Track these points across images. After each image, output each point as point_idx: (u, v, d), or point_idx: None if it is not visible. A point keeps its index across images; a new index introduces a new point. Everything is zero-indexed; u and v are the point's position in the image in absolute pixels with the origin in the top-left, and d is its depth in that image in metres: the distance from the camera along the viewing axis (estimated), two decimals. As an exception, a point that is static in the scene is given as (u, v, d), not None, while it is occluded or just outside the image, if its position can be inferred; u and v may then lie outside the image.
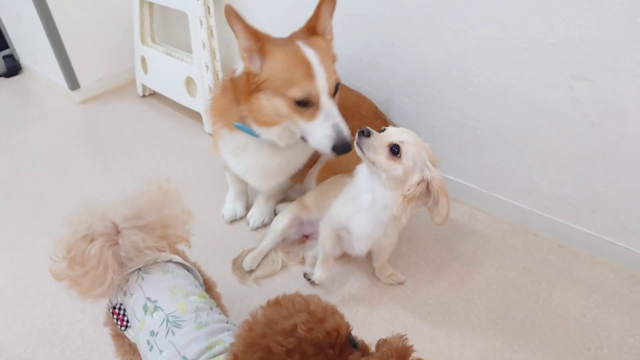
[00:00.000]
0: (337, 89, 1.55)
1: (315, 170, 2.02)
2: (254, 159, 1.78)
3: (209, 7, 2.45)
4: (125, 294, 1.21)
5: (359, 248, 1.63)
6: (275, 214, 2.13)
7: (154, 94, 3.09)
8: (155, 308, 1.13)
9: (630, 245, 1.80)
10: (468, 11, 1.74)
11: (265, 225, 2.14)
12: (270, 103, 1.53)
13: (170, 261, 1.27)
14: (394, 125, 2.14)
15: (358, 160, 1.99)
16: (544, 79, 1.69)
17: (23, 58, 3.45)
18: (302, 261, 1.95)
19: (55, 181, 2.45)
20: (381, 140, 1.39)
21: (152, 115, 2.94)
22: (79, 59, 2.95)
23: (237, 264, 1.93)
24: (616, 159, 1.67)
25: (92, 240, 1.15)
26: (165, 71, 2.81)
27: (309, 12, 1.57)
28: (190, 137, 2.72)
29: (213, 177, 2.40)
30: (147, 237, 1.20)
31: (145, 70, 2.94)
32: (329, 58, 1.52)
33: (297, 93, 1.46)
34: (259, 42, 1.49)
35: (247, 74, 1.55)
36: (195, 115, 2.82)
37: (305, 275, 1.86)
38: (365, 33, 2.08)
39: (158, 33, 2.97)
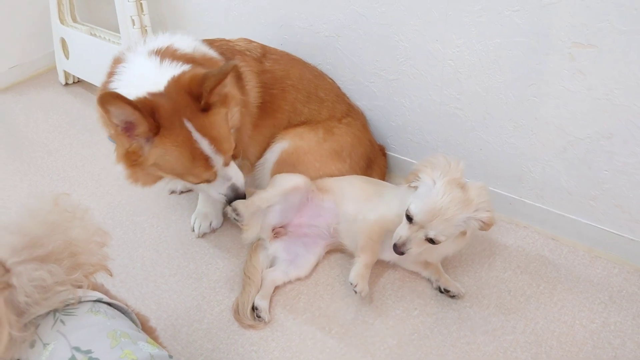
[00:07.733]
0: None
1: (269, 162, 1.77)
2: None
3: (136, -23, 2.08)
4: (32, 346, 0.89)
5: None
6: (226, 216, 1.81)
7: (79, 82, 2.67)
8: None
9: (637, 236, 1.58)
10: (447, -31, 1.47)
11: (214, 230, 1.83)
12: (157, 177, 1.45)
13: (99, 301, 0.95)
14: (358, 110, 1.88)
15: (320, 151, 1.74)
16: (539, 47, 1.44)
17: None
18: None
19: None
20: (418, 240, 1.39)
21: (77, 106, 2.53)
22: (-14, 43, 2.52)
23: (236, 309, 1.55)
24: (624, 138, 1.44)
25: None
26: (90, 55, 2.43)
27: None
28: (123, 130, 2.34)
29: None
30: (57, 269, 0.88)
31: (67, 55, 2.54)
32: (225, 133, 1.40)
33: (194, 180, 1.42)
34: (152, 126, 1.29)
35: (127, 151, 1.35)
36: (128, 105, 2.43)
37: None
38: (323, 2, 1.77)
39: (80, 11, 2.56)
